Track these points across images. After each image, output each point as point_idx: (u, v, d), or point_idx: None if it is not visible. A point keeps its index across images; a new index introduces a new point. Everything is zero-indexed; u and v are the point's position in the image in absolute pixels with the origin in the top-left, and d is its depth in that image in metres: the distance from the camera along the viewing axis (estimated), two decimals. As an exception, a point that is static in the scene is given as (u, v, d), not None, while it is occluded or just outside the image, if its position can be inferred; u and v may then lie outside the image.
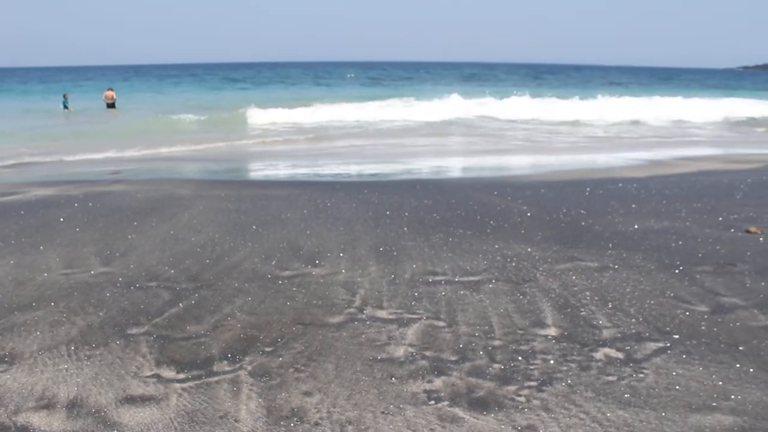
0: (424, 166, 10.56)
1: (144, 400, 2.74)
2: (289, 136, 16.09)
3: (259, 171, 10.65)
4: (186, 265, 4.60)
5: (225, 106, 24.17)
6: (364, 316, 3.63)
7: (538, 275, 4.34)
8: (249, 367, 3.04)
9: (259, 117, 19.32)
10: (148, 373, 2.98)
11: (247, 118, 19.25)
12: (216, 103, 26.16)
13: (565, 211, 6.35)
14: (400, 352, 3.18)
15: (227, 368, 3.03)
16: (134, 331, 3.47)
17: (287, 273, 4.44)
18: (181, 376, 2.96)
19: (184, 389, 2.83)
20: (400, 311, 3.70)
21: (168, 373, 2.99)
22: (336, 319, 3.61)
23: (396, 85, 44.12)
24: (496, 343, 3.26)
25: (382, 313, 3.67)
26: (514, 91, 27.72)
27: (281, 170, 10.41)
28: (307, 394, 2.78)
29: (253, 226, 5.69)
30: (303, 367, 3.02)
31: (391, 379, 2.91)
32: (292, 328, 3.50)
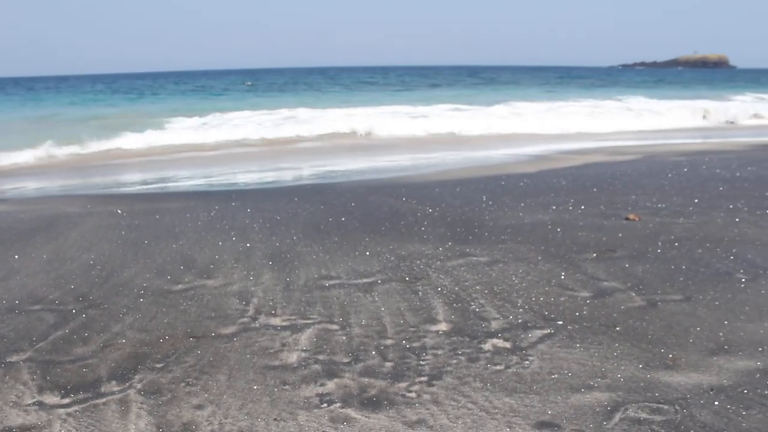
0: (319, 171, 10.57)
1: (24, 430, 2.63)
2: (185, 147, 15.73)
3: (153, 184, 10.37)
4: (73, 286, 4.44)
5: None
6: (257, 325, 3.61)
7: (430, 273, 4.43)
8: (139, 385, 2.96)
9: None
10: (30, 401, 2.86)
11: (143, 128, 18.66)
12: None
13: (458, 208, 6.51)
14: (293, 358, 3.18)
15: (116, 388, 2.94)
16: (14, 358, 3.31)
17: (180, 287, 4.35)
18: (66, 400, 2.86)
19: (69, 414, 2.73)
20: (293, 317, 3.70)
21: (52, 399, 2.88)
22: (229, 330, 3.57)
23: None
24: (389, 342, 3.31)
25: (276, 321, 3.66)
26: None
27: (176, 182, 10.17)
28: (199, 407, 2.74)
29: (145, 241, 5.54)
30: (195, 381, 2.97)
31: (284, 385, 2.90)
32: (184, 342, 3.44)
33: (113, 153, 14.24)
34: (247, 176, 10.30)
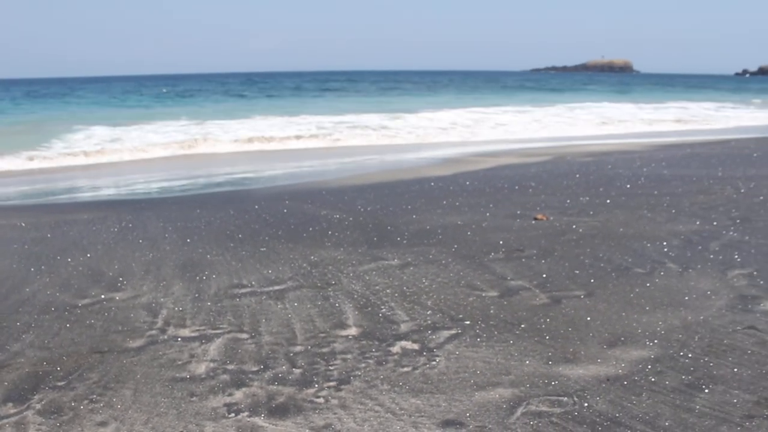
0: (233, 179, 10.45)
1: None
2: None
3: (61, 195, 10.00)
4: (-32, 305, 4.24)
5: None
6: (165, 337, 3.55)
7: (342, 278, 4.45)
8: (38, 406, 2.86)
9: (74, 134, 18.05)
10: None
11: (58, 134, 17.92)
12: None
13: (372, 212, 6.56)
14: (201, 369, 3.14)
15: (12, 411, 2.83)
16: None
17: (86, 301, 4.22)
18: (-42, 426, 2.74)
19: (-40, 440, 2.62)
20: (203, 328, 3.65)
21: (-58, 424, 2.75)
22: (136, 344, 3.49)
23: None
24: (298, 348, 3.31)
25: (185, 332, 3.61)
26: None
27: (86, 192, 9.85)
28: (102, 424, 2.67)
29: (51, 255, 5.35)
30: (98, 398, 2.90)
31: (191, 397, 2.86)
32: (89, 358, 3.34)
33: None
34: (160, 185, 10.07)
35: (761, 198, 6.96)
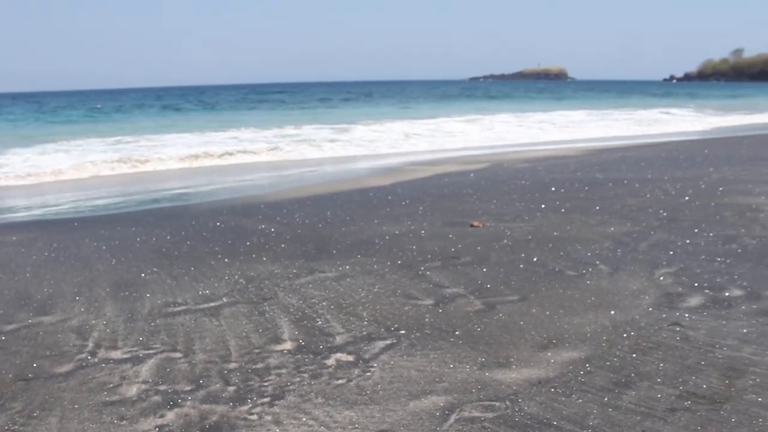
0: (170, 195, 10.28)
1: None
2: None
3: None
4: None
5: None
6: (96, 360, 3.46)
7: (278, 292, 4.42)
8: (-42, 438, 2.76)
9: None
10: None
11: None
12: None
13: (310, 225, 6.54)
14: (132, 391, 3.07)
15: (-70, 444, 2.73)
16: None
17: (11, 327, 4.08)
18: None
19: None
20: (135, 349, 3.57)
21: None
22: (64, 368, 3.39)
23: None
24: (232, 365, 3.27)
25: (116, 354, 3.52)
26: None
27: (15, 213, 9.53)
28: (27, 454, 2.59)
29: (-26, 280, 5.16)
30: (21, 428, 2.80)
31: (121, 420, 2.80)
32: (13, 386, 3.23)
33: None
34: (94, 203, 9.83)
35: (686, 198, 7.20)
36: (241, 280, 4.75)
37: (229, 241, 6.00)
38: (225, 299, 4.34)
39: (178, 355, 3.45)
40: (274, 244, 5.82)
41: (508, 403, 2.75)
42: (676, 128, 23.51)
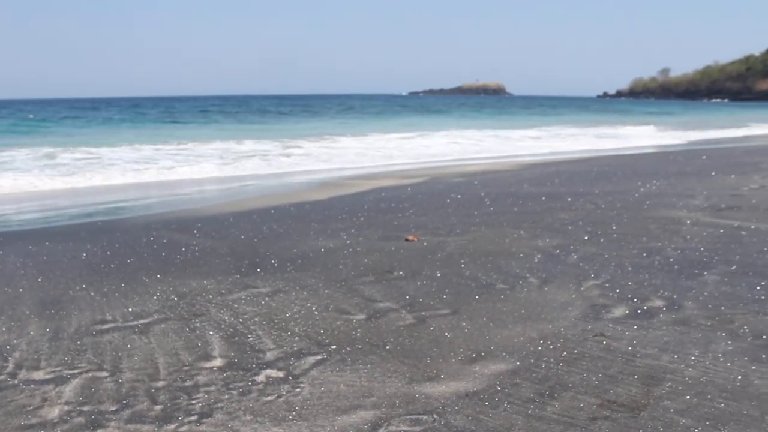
0: (104, 209, 10.05)
1: None
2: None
3: None
4: None
5: None
6: (16, 382, 3.35)
7: (211, 308, 4.37)
8: None
9: None
10: None
11: None
12: None
13: (245, 239, 6.49)
14: (54, 413, 2.99)
15: None
16: None
17: (-73, 348, 3.93)
18: None
19: None
20: (59, 369, 3.48)
21: None
22: (-17, 391, 3.28)
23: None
24: (160, 384, 3.22)
25: (39, 374, 3.42)
26: None
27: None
28: (-60, 481, 2.50)
29: None
30: (-65, 453, 2.70)
31: (41, 444, 2.72)
32: (-73, 410, 3.11)
33: None
34: (20, 218, 9.53)
35: (615, 212, 7.44)
36: (172, 297, 4.68)
37: (163, 257, 5.91)
38: (155, 316, 4.27)
39: (104, 374, 3.38)
40: (208, 259, 5.76)
41: (435, 416, 2.78)
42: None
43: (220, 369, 3.36)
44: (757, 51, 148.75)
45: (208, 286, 4.89)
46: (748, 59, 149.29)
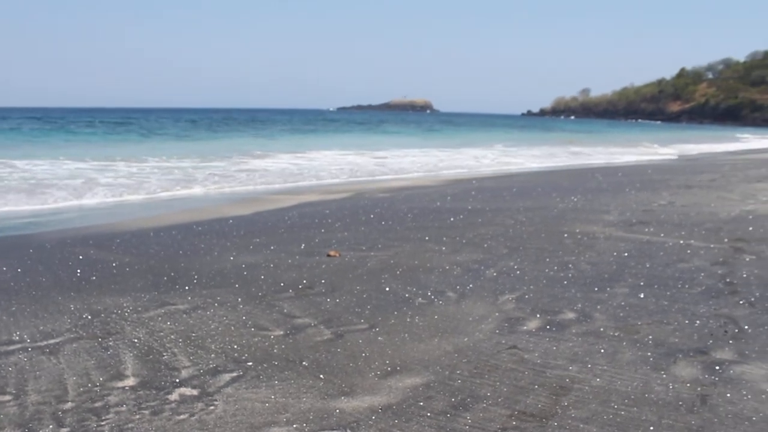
0: (15, 224, 9.67)
1: None
2: None
3: None
4: None
5: None
6: None
7: (126, 326, 4.28)
8: None
9: None
10: None
11: None
12: None
13: (165, 255, 6.37)
14: (-47, 439, 2.87)
15: None
16: None
17: None
18: None
19: None
20: (-40, 392, 3.34)
21: None
22: None
23: None
24: (68, 405, 3.13)
25: (-62, 399, 3.28)
26: None
27: None
28: None
29: None
30: None
31: (-62, 471, 2.61)
32: None
33: None
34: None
35: (533, 227, 7.65)
36: (86, 315, 4.55)
37: (78, 274, 5.74)
38: (67, 335, 4.14)
39: (7, 398, 3.26)
40: (125, 276, 5.63)
41: (348, 431, 2.80)
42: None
43: (133, 388, 3.29)
44: (668, 75, 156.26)
45: (124, 304, 4.78)
46: (660, 82, 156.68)
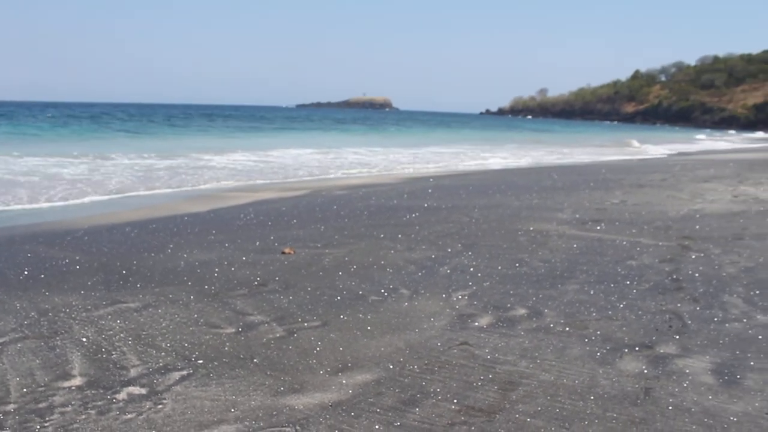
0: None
1: None
2: None
3: None
4: None
5: None
6: None
7: (74, 325, 4.20)
8: None
9: None
10: None
11: None
12: None
13: (117, 253, 6.28)
14: None
15: None
16: None
17: None
18: None
19: None
20: None
21: None
22: None
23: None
24: (10, 407, 3.05)
25: None
26: None
27: None
28: None
29: None
30: None
31: None
32: None
33: None
34: None
35: (488, 225, 7.73)
36: (32, 314, 4.46)
37: (25, 271, 5.62)
38: (11, 335, 4.05)
39: (-52, 398, 3.18)
40: (75, 274, 5.52)
41: (297, 428, 2.81)
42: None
43: (79, 388, 3.24)
44: (623, 77, 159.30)
45: (73, 302, 4.70)
46: (615, 84, 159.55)
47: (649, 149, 35.32)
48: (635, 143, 39.63)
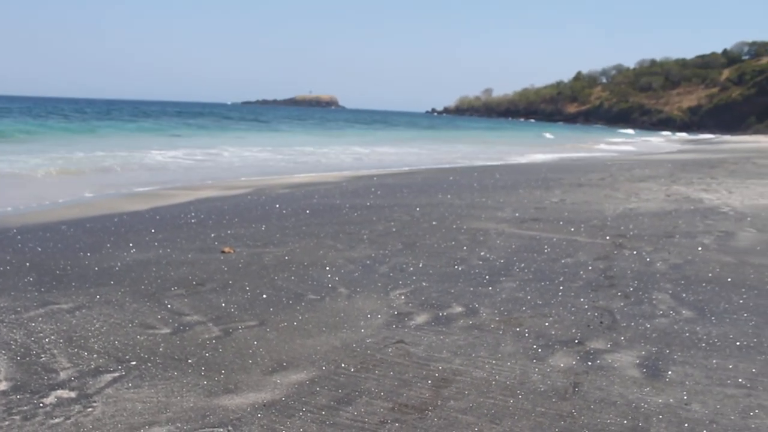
0: None
1: None
2: None
3: None
4: None
5: None
6: None
7: (1, 328, 4.09)
8: None
9: None
10: None
11: None
12: None
13: (50, 252, 6.12)
14: None
15: None
16: None
17: None
18: None
19: None
20: None
21: None
22: None
23: None
24: (-68, 412, 2.97)
25: None
26: None
27: None
28: None
29: None
30: None
31: None
32: None
33: None
34: None
35: (429, 224, 7.81)
36: (-43, 317, 4.32)
37: (-49, 273, 5.44)
38: (-66, 338, 3.92)
39: None
40: (4, 274, 5.37)
41: (230, 428, 2.80)
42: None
43: (4, 393, 3.16)
44: (566, 78, 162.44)
45: (2, 304, 4.56)
46: (558, 85, 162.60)
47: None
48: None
